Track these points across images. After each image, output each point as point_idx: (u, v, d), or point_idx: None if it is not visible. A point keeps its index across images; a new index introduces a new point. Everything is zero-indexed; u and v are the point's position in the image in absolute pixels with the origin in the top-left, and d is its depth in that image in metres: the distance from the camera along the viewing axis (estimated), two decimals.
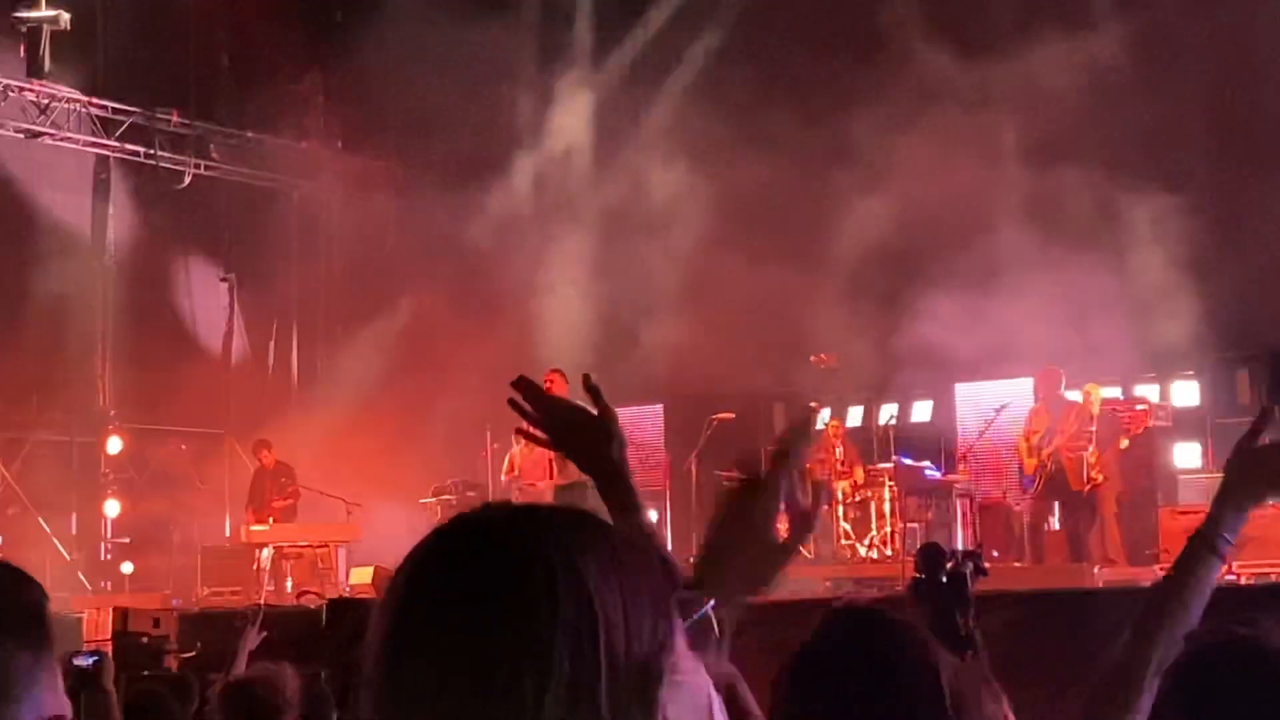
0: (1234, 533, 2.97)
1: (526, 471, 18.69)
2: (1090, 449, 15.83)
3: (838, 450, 18.26)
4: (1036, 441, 15.93)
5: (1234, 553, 3.01)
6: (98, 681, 6.12)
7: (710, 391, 19.65)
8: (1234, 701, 2.50)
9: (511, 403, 2.78)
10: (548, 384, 15.52)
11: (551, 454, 15.89)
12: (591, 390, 2.79)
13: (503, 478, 19.08)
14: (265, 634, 8.51)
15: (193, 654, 12.89)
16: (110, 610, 13.94)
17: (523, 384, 2.79)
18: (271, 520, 19.12)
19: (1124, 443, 16.09)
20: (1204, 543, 2.96)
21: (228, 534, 20.10)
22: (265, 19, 21.03)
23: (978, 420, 17.80)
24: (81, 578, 20.20)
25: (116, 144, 21.71)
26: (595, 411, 2.74)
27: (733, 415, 18.81)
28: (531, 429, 2.79)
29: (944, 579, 5.04)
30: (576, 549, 1.56)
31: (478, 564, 1.55)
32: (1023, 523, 16.96)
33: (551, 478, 16.06)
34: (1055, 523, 16.34)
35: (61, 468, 21.10)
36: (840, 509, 18.00)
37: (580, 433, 2.75)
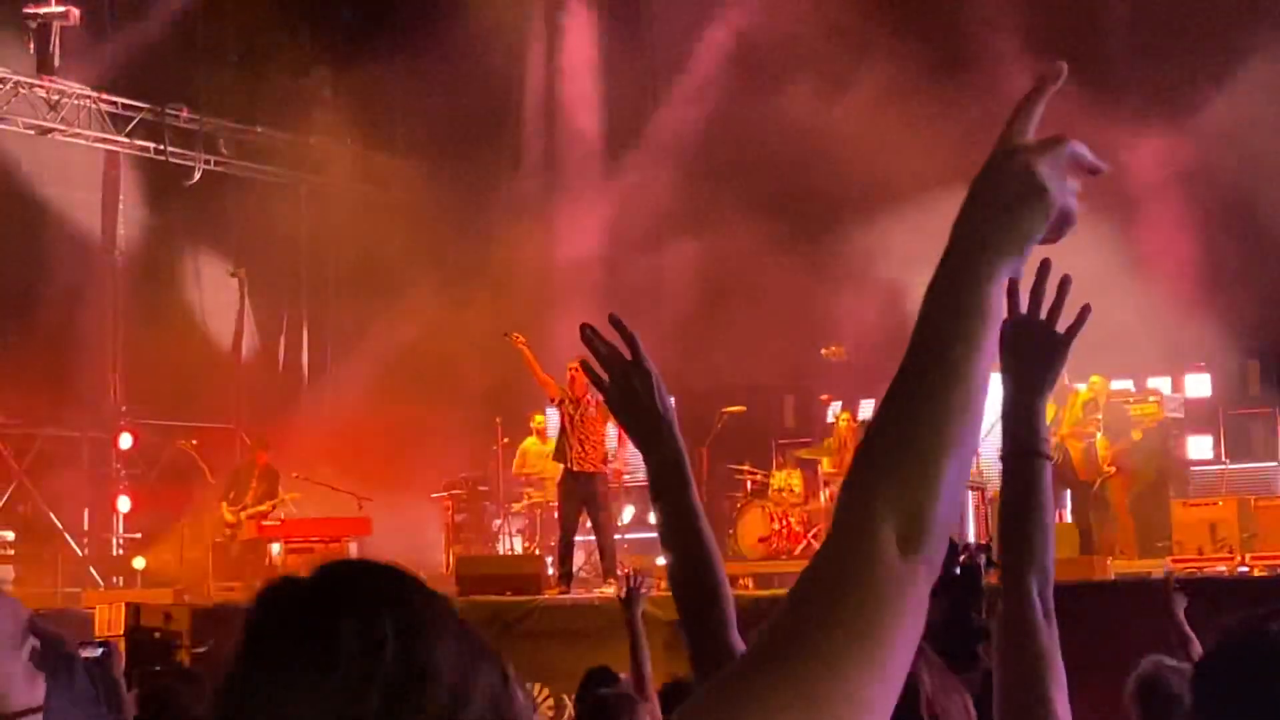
0: (1045, 428, 2.89)
1: (535, 464, 18.72)
2: (1099, 437, 15.79)
3: (850, 443, 18.25)
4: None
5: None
6: (106, 671, 6.10)
7: (721, 384, 19.65)
8: (1269, 695, 2.49)
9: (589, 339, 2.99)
10: (571, 373, 15.63)
11: (573, 445, 15.95)
12: (627, 338, 2.99)
13: (515, 471, 19.11)
14: None
15: (205, 649, 12.90)
16: (122, 606, 13.97)
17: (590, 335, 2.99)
18: (243, 517, 19.06)
19: (1136, 435, 16.05)
20: (1036, 454, 2.87)
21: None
22: (274, 13, 21.03)
23: (989, 412, 17.75)
24: (93, 573, 20.22)
25: (126, 140, 21.71)
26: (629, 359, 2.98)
27: (743, 408, 18.81)
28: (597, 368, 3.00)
29: (958, 571, 5.02)
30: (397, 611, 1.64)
31: (303, 632, 1.64)
32: None
33: (571, 465, 16.03)
34: (1067, 515, 16.32)
35: (73, 464, 21.12)
36: None
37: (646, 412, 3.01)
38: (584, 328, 2.94)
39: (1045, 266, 2.80)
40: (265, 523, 19.01)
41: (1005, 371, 2.87)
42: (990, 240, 1.76)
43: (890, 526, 1.62)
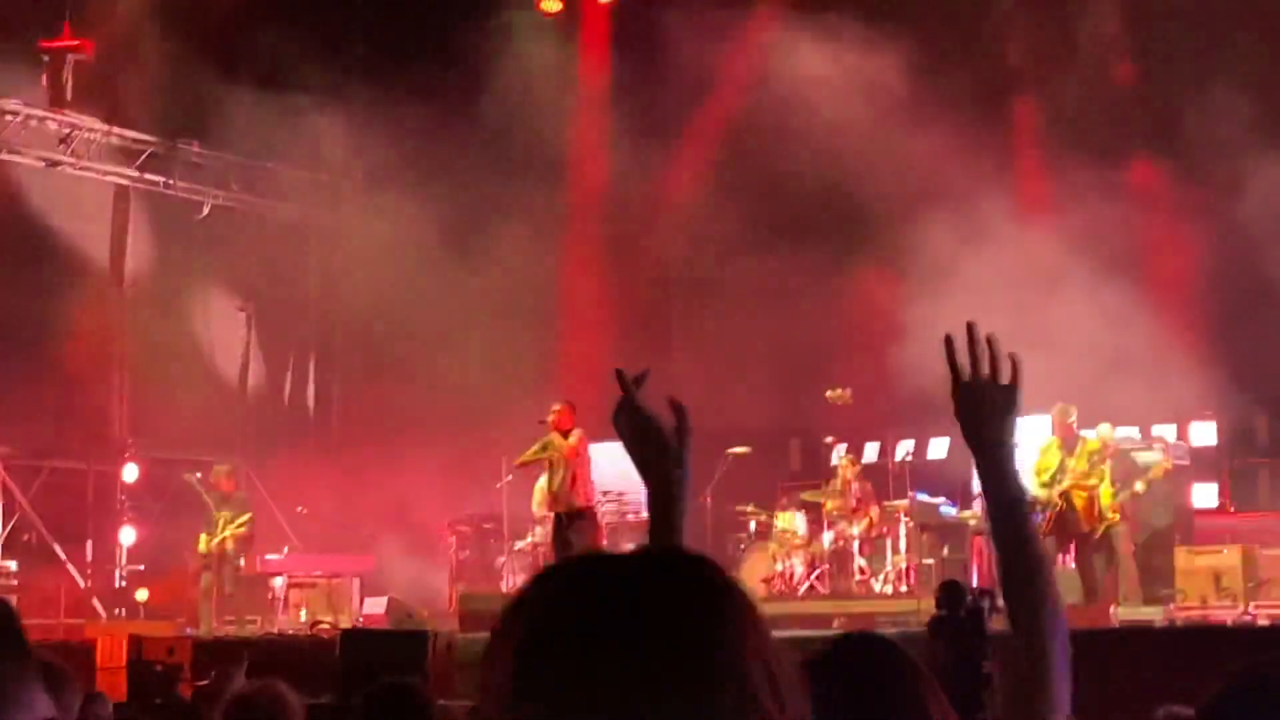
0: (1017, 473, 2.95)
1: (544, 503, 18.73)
2: (1102, 487, 15.75)
3: (853, 486, 18.24)
4: (1047, 479, 15.83)
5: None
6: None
7: (726, 426, 19.65)
8: None
9: (620, 375, 2.93)
10: (559, 414, 15.70)
11: (556, 484, 15.98)
12: (677, 409, 2.91)
13: (535, 510, 19.09)
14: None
15: (206, 682, 12.88)
16: (124, 638, 13.95)
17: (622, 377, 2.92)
18: (223, 546, 19.01)
19: (1139, 486, 16.00)
20: (1016, 501, 2.91)
21: (243, 563, 20.09)
22: (286, 51, 21.12)
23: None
24: (96, 605, 20.20)
25: (136, 174, 21.79)
26: (675, 426, 2.89)
27: (748, 450, 18.80)
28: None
29: (964, 616, 5.02)
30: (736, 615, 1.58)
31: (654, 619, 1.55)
32: None
33: (558, 505, 16.09)
34: (1071, 562, 16.27)
35: (78, 495, 21.12)
36: (856, 544, 17.99)
37: (650, 442, 2.86)
38: (620, 372, 2.95)
39: (971, 329, 2.96)
40: (269, 557, 19.00)
41: (967, 436, 2.97)
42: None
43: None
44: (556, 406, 15.94)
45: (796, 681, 1.60)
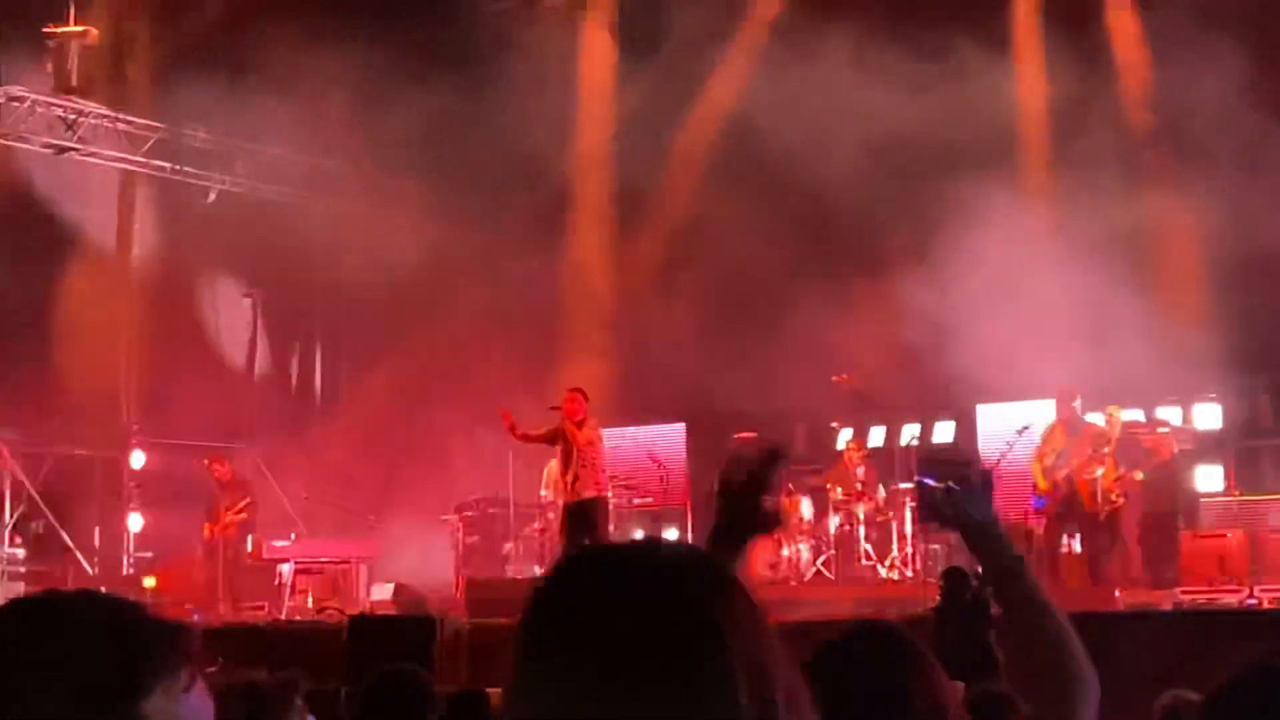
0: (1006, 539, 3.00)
1: (555, 490, 18.76)
2: (1100, 471, 15.76)
3: (859, 470, 18.25)
4: (1050, 463, 15.84)
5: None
6: None
7: (733, 411, 19.67)
8: None
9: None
10: (569, 401, 15.71)
11: (569, 473, 15.97)
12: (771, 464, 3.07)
13: (542, 493, 19.12)
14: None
15: (214, 669, 12.91)
16: None
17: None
18: (227, 532, 19.13)
19: (1138, 475, 16.01)
20: (1015, 565, 2.94)
21: (250, 548, 20.14)
22: (292, 36, 21.10)
23: (1000, 441, 17.75)
24: (103, 592, 20.21)
25: (143, 159, 21.79)
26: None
27: (755, 435, 18.81)
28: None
29: (969, 602, 5.03)
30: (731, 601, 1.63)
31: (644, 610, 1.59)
32: (1041, 545, 16.86)
33: (570, 495, 16.10)
34: (1076, 545, 16.28)
35: (85, 482, 21.14)
36: (861, 529, 18.01)
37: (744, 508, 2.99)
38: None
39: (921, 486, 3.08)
40: (276, 543, 19.03)
41: (962, 528, 2.99)
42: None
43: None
44: (570, 392, 15.96)
45: (801, 687, 1.62)
